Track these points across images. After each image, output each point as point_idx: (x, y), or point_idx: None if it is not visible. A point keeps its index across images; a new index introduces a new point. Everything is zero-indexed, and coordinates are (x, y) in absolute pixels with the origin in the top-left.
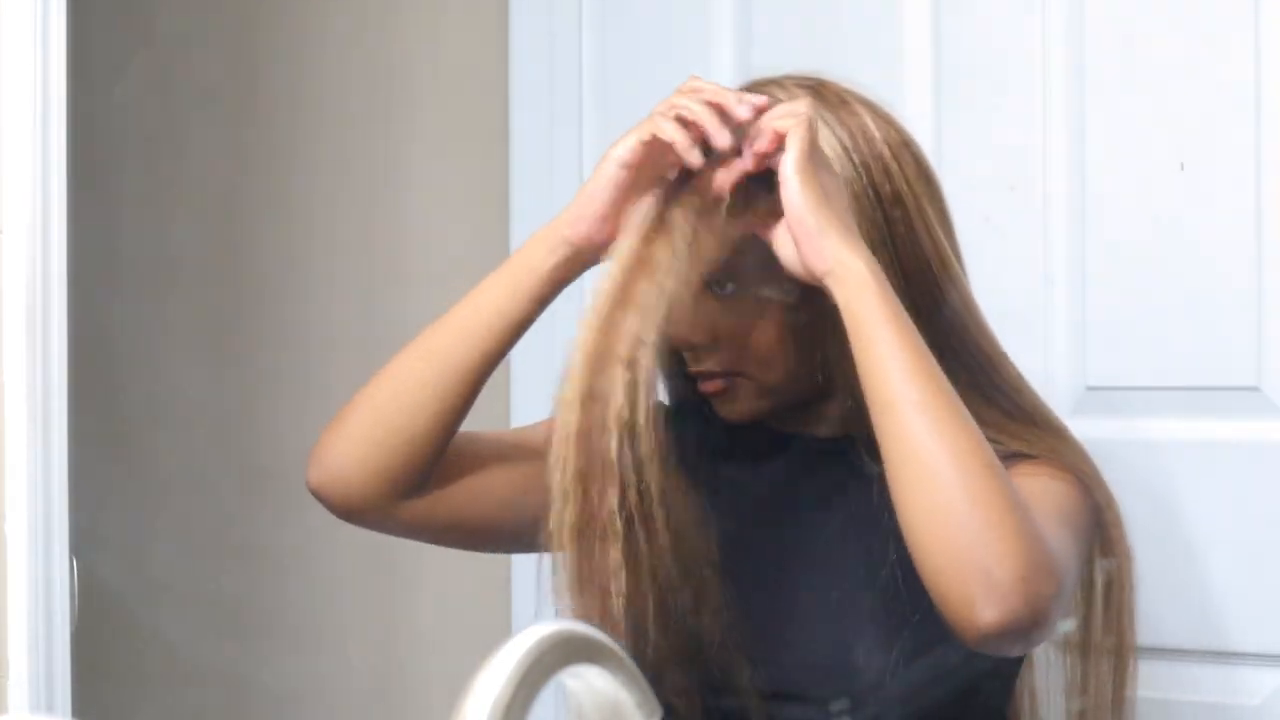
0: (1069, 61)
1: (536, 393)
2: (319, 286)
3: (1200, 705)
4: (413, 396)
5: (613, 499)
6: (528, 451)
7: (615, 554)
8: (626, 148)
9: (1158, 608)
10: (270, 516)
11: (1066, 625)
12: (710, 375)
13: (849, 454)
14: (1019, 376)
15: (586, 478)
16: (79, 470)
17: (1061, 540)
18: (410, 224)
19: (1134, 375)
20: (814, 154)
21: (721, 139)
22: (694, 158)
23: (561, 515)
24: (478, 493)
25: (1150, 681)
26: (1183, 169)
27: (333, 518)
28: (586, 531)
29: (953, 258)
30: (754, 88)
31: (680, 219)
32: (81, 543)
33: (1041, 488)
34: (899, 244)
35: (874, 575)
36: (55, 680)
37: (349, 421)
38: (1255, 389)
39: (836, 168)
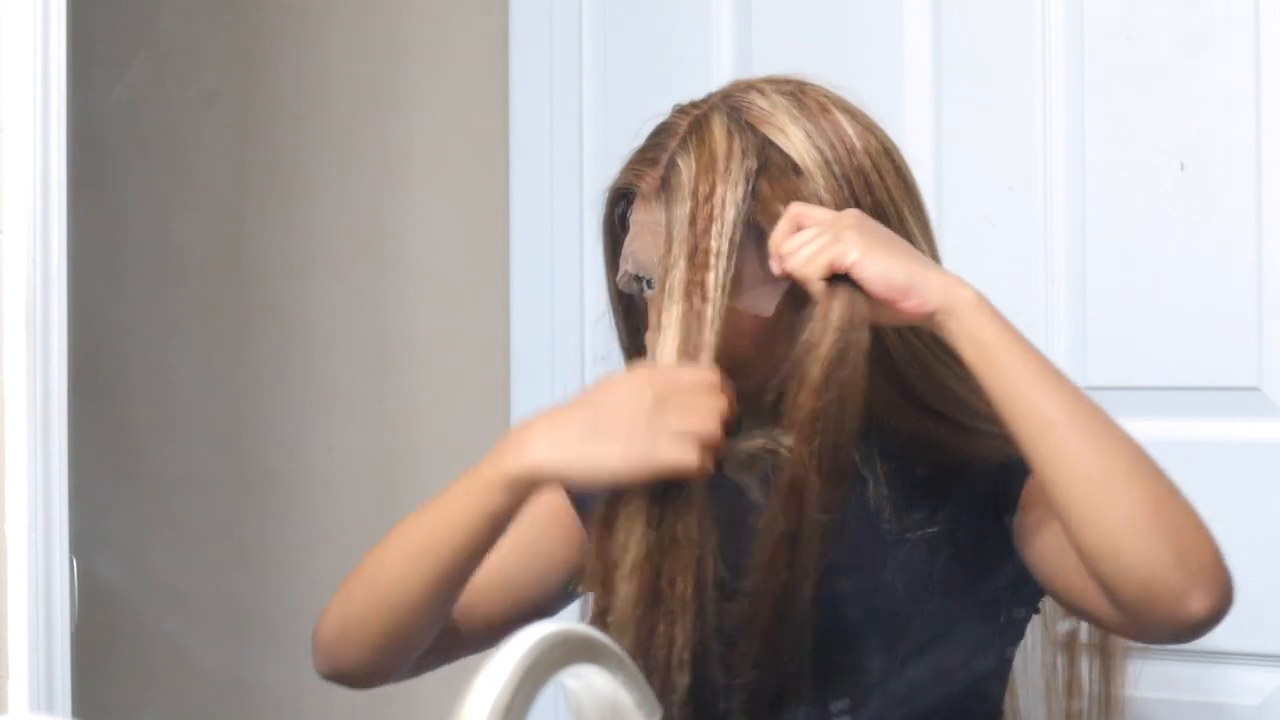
0: (1069, 61)
1: (537, 393)
2: (319, 287)
3: (1200, 705)
4: (401, 601)
5: (686, 581)
6: (533, 547)
7: (683, 628)
8: (658, 470)
9: None
10: (270, 517)
11: (1067, 624)
12: None
13: None
14: None
15: (655, 559)
16: (79, 470)
17: None
18: (410, 224)
19: (1134, 375)
20: (859, 231)
21: None
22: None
23: (627, 599)
24: (496, 621)
25: (1150, 681)
26: (1183, 169)
27: (331, 518)
28: (653, 610)
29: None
30: (733, 90)
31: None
32: (81, 543)
33: None
34: None
35: (875, 577)
36: (55, 680)
37: (348, 616)
38: (1255, 389)
39: (819, 179)
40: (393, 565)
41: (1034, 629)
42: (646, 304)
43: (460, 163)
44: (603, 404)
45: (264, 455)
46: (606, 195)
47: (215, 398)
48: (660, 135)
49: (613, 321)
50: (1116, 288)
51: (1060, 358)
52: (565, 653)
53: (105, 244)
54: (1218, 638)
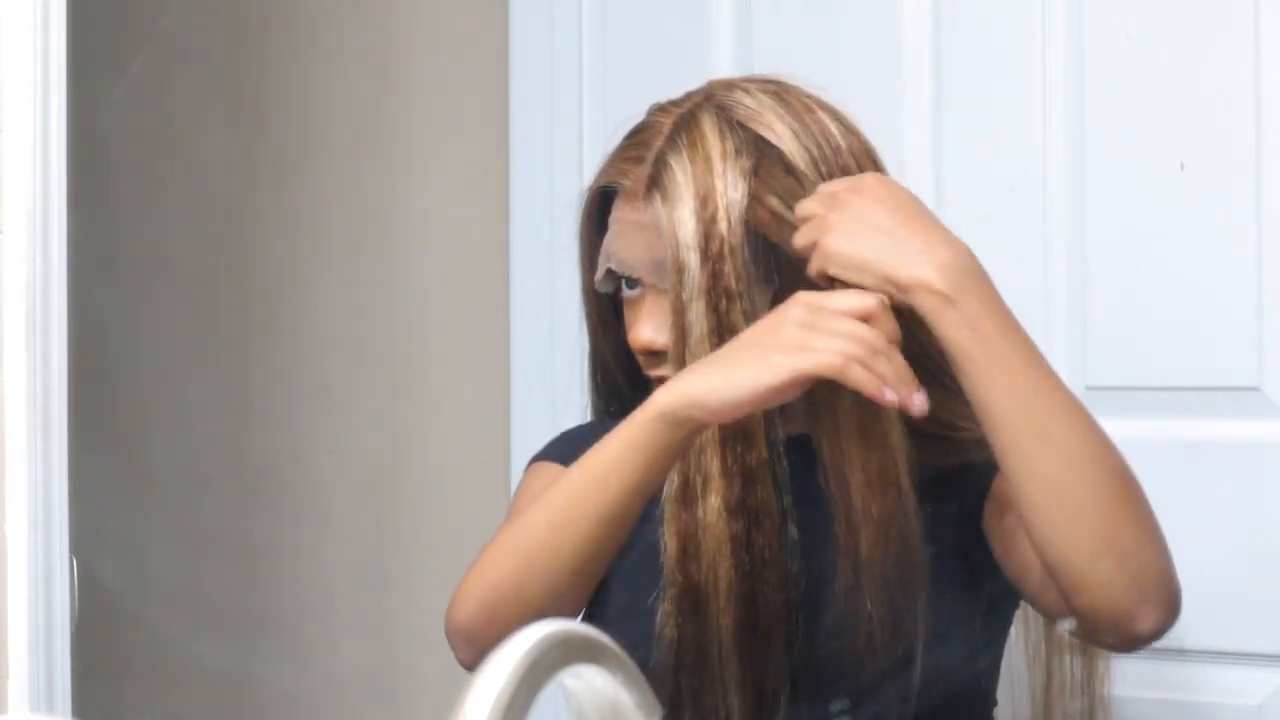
0: (1069, 61)
1: (537, 393)
2: (319, 287)
3: (1200, 705)
4: (563, 557)
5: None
6: None
7: (779, 646)
8: (793, 375)
9: None
10: (270, 517)
11: (1067, 625)
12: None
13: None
14: None
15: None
16: (79, 470)
17: None
18: (410, 224)
19: (1134, 375)
20: (846, 207)
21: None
22: (891, 399)
23: (719, 618)
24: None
25: (1150, 681)
26: (1183, 169)
27: (331, 518)
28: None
29: None
30: (715, 90)
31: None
32: (81, 543)
33: None
34: None
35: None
36: (55, 680)
37: (498, 588)
38: (1255, 389)
39: (809, 178)
40: (549, 522)
41: (1025, 628)
42: (624, 303)
43: (460, 163)
44: (753, 331)
45: (264, 455)
46: (586, 195)
47: (216, 398)
48: (642, 134)
49: (584, 321)
50: (1116, 288)
51: (1060, 358)
52: (565, 653)
53: (105, 244)
54: (1218, 638)
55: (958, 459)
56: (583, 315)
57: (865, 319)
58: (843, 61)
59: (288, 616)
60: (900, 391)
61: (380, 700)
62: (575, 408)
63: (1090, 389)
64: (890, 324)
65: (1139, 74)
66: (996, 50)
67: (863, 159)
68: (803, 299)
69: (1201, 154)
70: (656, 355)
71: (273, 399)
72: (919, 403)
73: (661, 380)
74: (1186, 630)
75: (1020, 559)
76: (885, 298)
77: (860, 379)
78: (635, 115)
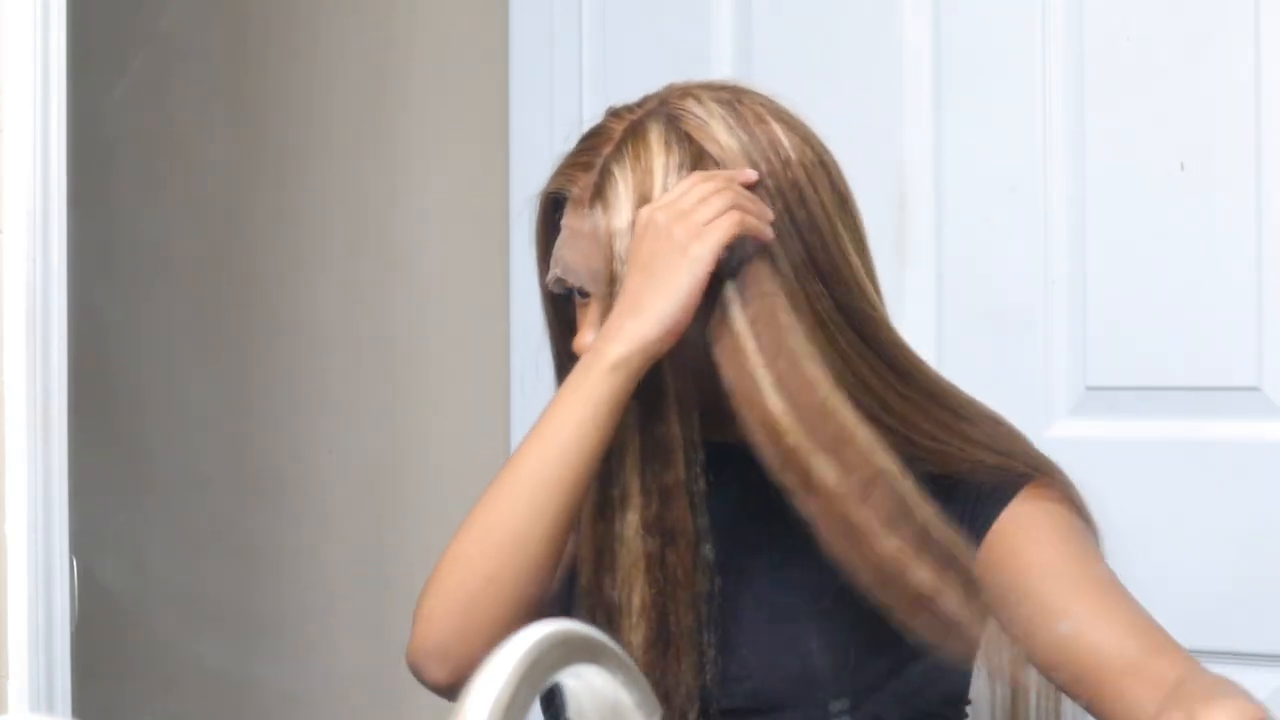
0: (1069, 61)
1: (537, 393)
2: (319, 287)
3: None
4: (526, 568)
5: (689, 614)
6: None
7: (689, 664)
8: (711, 251)
9: (1157, 608)
10: (269, 517)
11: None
12: None
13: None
14: (943, 378)
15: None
16: (79, 470)
17: (1132, 601)
18: (410, 224)
19: (1134, 375)
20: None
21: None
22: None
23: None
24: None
25: None
26: (1183, 169)
27: (331, 518)
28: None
29: (868, 280)
30: (670, 96)
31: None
32: (81, 543)
33: (1079, 547)
34: (822, 269)
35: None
36: (55, 680)
37: (467, 586)
38: (1255, 389)
39: (755, 192)
40: (513, 505)
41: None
42: (575, 308)
43: (460, 163)
44: (641, 258)
45: (264, 455)
46: (539, 199)
47: (216, 398)
48: (594, 139)
49: (545, 325)
50: (1116, 288)
51: (1060, 358)
52: (565, 653)
53: (105, 244)
54: (1218, 638)
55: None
56: (544, 319)
57: (711, 184)
58: (843, 61)
59: (288, 616)
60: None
61: (380, 700)
62: None
63: (1090, 389)
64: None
65: (1139, 74)
66: (996, 50)
67: (814, 171)
68: (648, 210)
69: (1201, 154)
70: None
71: (273, 399)
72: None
73: None
74: (1186, 630)
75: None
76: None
77: (753, 225)
78: None
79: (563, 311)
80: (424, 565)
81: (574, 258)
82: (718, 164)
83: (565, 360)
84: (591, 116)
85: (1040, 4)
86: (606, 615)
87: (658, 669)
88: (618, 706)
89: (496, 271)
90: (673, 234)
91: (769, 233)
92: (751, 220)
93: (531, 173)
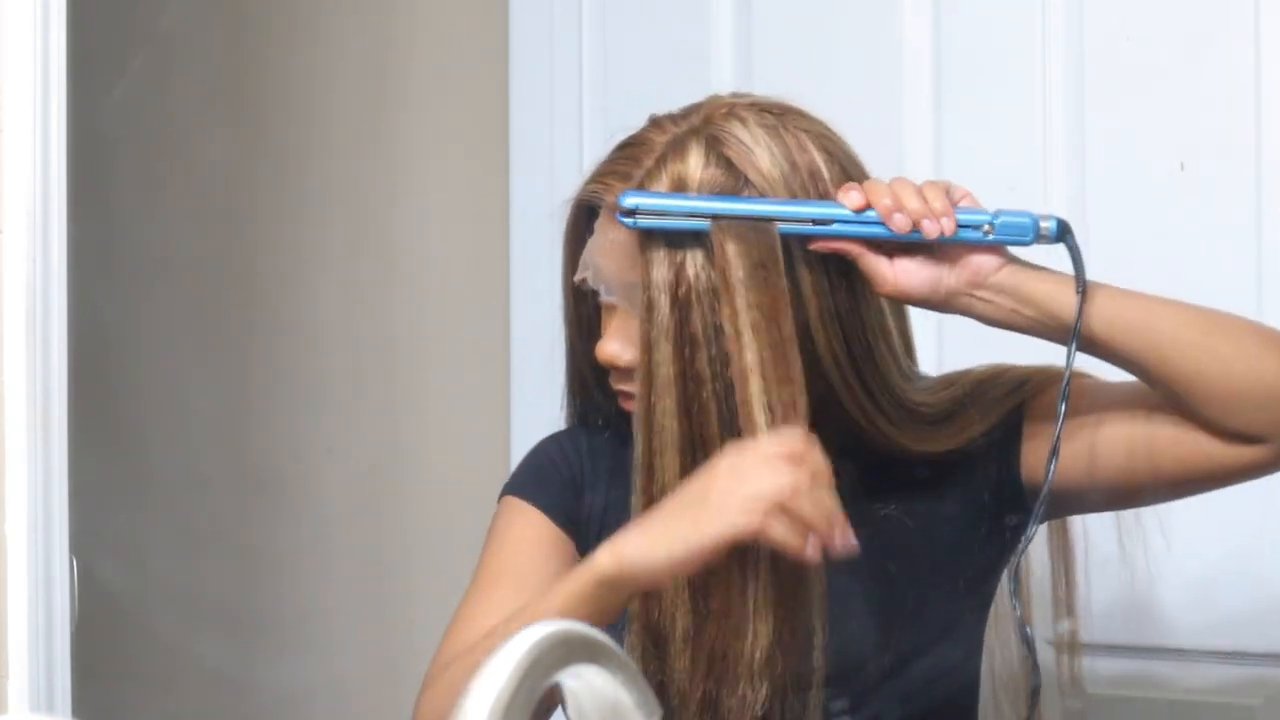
0: (1069, 61)
1: (537, 393)
2: (319, 287)
3: (1200, 705)
4: None
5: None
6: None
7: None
8: (724, 540)
9: (1158, 608)
10: (269, 517)
11: (1064, 625)
12: (630, 395)
13: None
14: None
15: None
16: (79, 470)
17: None
18: (410, 224)
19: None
20: None
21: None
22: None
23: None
24: None
25: (1151, 681)
26: (1183, 169)
27: (331, 518)
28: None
29: (893, 327)
30: (715, 114)
31: None
32: (81, 543)
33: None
34: (842, 315)
35: (865, 573)
36: (55, 680)
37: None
38: None
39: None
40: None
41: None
42: (599, 311)
43: (460, 163)
44: (691, 486)
45: (264, 456)
46: (573, 204)
47: (215, 398)
48: (633, 149)
49: (564, 321)
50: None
51: (1060, 358)
52: (565, 653)
53: (105, 244)
54: (1218, 638)
55: (940, 446)
56: (563, 317)
57: (793, 459)
58: (843, 61)
59: (288, 616)
60: (823, 533)
61: (380, 700)
62: None
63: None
64: (817, 458)
65: (1139, 74)
66: (996, 50)
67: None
68: (731, 450)
69: (1201, 154)
70: (620, 371)
71: (273, 399)
72: (841, 542)
73: (623, 394)
74: (1187, 630)
75: (1095, 447)
76: (811, 434)
77: (779, 537)
78: (635, 115)
79: (585, 309)
80: (424, 565)
81: (606, 265)
82: (758, 192)
83: (580, 358)
84: (592, 116)
85: (1040, 4)
86: (654, 639)
87: (702, 695)
88: (618, 706)
89: (496, 271)
90: (716, 484)
91: (794, 546)
92: (779, 532)
93: (531, 173)
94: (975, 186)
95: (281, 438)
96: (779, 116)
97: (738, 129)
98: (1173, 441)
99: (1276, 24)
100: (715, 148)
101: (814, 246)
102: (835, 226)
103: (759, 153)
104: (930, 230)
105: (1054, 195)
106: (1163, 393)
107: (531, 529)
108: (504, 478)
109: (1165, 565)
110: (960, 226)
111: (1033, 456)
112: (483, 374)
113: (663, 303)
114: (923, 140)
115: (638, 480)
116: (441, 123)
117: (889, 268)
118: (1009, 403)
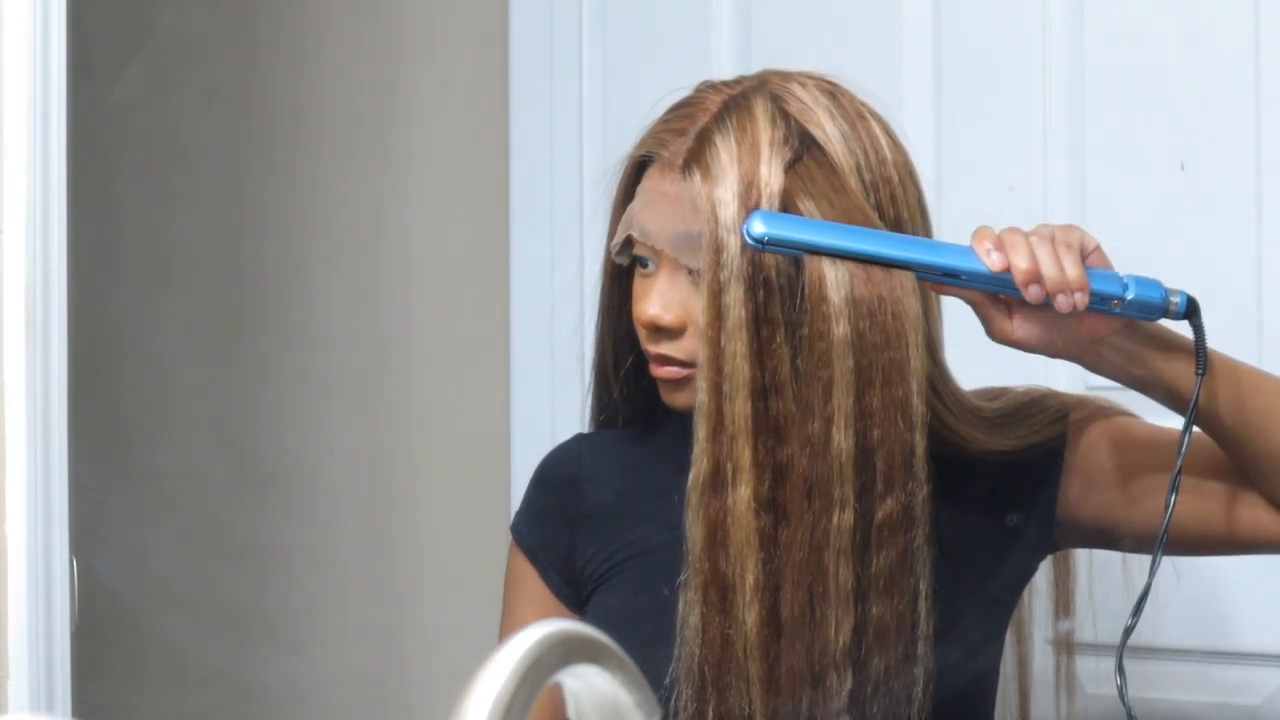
0: (1069, 61)
1: (537, 393)
2: (319, 287)
3: (1200, 705)
4: None
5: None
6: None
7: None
8: None
9: (1158, 607)
10: (270, 517)
11: (1065, 625)
12: (668, 360)
13: None
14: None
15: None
16: (79, 470)
17: None
18: (410, 223)
19: None
20: None
21: None
22: None
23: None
24: None
25: (1150, 681)
26: (1183, 169)
27: (332, 518)
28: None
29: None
30: (770, 78)
31: None
32: (81, 543)
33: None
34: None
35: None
36: (55, 680)
37: None
38: None
39: (850, 181)
40: None
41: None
42: (636, 280)
43: (460, 162)
44: None
45: (264, 455)
46: (625, 163)
47: (215, 397)
48: (688, 108)
49: (600, 302)
50: None
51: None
52: (565, 653)
53: (105, 244)
54: (1218, 638)
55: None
56: (598, 296)
57: None
58: (843, 61)
59: (288, 616)
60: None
61: (381, 700)
62: (575, 408)
63: (1090, 389)
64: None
65: (1139, 74)
66: (996, 50)
67: (905, 174)
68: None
69: (1201, 154)
70: (660, 331)
71: (271, 398)
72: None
73: (661, 359)
74: (1186, 629)
75: (1151, 497)
76: None
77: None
78: (635, 115)
79: (623, 286)
80: (425, 565)
81: (654, 221)
82: (821, 149)
83: (614, 339)
84: (592, 115)
85: (1040, 4)
86: (720, 593)
87: (773, 649)
88: (618, 706)
89: (496, 271)
90: None
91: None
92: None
93: (531, 173)
94: (975, 186)
95: (282, 437)
96: (832, 86)
97: (797, 89)
98: (1228, 507)
99: (1276, 24)
100: (778, 103)
101: (937, 290)
102: (963, 278)
103: (819, 112)
104: (1064, 306)
105: (1054, 195)
106: (1248, 464)
107: (526, 586)
108: (504, 477)
109: (1164, 565)
110: (1092, 296)
111: (1073, 492)
112: (483, 374)
113: (732, 244)
114: (923, 140)
115: (701, 430)
116: (441, 122)
117: (1007, 322)
118: (1049, 433)
